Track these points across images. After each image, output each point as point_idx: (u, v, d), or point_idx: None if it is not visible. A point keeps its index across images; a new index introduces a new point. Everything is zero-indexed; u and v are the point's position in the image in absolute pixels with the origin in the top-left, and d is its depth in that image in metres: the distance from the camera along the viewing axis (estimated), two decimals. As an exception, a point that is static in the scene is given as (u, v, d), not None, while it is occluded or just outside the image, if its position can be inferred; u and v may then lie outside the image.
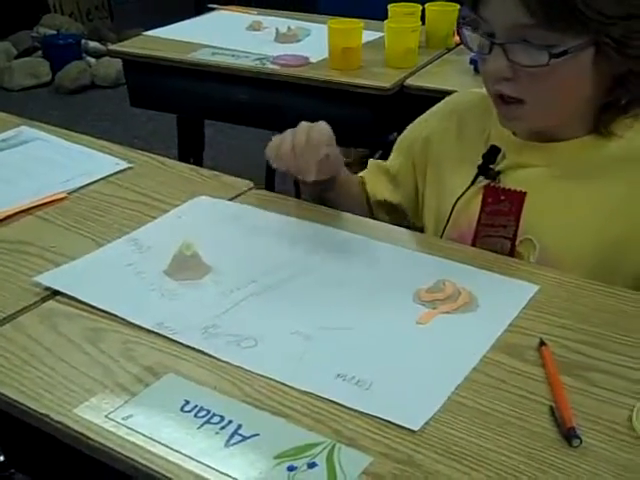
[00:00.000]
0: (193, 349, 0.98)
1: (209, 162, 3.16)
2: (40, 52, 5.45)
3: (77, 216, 1.31)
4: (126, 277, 1.14)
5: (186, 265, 1.15)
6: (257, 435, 0.85)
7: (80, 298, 1.08)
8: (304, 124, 1.24)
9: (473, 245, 1.23)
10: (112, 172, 1.46)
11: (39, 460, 1.08)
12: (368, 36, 2.38)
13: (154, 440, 0.84)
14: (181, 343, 0.99)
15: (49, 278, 1.13)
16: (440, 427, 0.86)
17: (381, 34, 2.34)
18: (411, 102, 2.12)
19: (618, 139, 1.17)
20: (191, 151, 3.01)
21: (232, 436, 0.84)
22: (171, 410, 0.88)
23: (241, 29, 2.71)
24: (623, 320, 1.03)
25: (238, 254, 1.20)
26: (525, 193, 1.19)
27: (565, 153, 1.19)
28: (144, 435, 0.85)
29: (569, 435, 0.83)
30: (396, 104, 2.17)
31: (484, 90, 1.32)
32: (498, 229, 1.21)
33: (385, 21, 2.30)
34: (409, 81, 2.19)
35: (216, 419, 0.87)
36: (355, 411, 0.88)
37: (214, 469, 0.80)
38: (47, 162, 1.52)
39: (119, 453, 0.83)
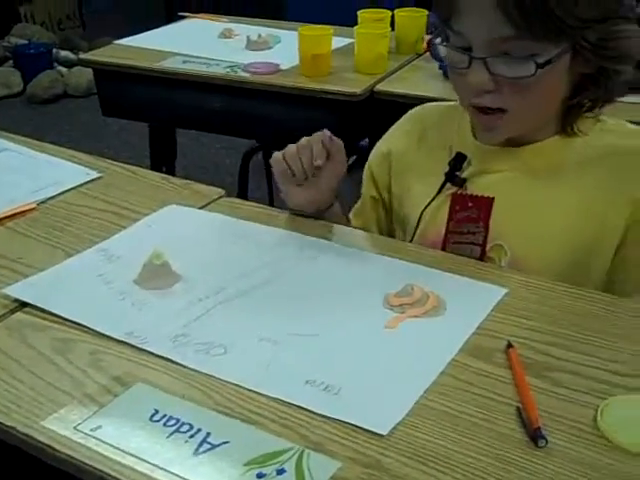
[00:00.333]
0: (162, 358, 0.98)
1: (182, 171, 3.16)
2: (11, 62, 5.41)
3: (47, 227, 1.31)
4: (96, 287, 1.14)
5: (156, 274, 1.15)
6: (226, 443, 0.85)
7: (49, 309, 1.08)
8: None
9: None
10: (82, 182, 1.46)
11: (4, 474, 1.07)
12: (338, 42, 2.39)
13: (123, 450, 0.84)
14: (150, 352, 0.99)
15: (17, 290, 1.12)
16: (408, 431, 0.86)
17: (351, 40, 2.35)
18: (381, 107, 2.13)
19: (582, 139, 1.18)
20: (163, 160, 3.00)
21: (201, 444, 0.84)
22: (140, 420, 0.88)
23: (212, 37, 2.71)
24: (590, 321, 1.04)
25: (208, 262, 1.20)
26: (493, 199, 1.19)
27: (531, 156, 1.19)
28: (113, 446, 0.84)
29: (535, 436, 0.84)
30: (367, 110, 2.18)
31: (444, 103, 1.34)
32: (467, 236, 1.21)
33: (355, 27, 2.31)
34: (379, 87, 2.20)
35: (185, 428, 0.87)
36: (324, 417, 0.88)
37: (183, 478, 0.80)
38: (16, 173, 1.51)
39: (87, 465, 0.82)
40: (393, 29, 2.42)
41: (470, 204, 1.20)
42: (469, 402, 0.90)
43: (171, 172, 2.96)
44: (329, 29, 2.28)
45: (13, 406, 0.91)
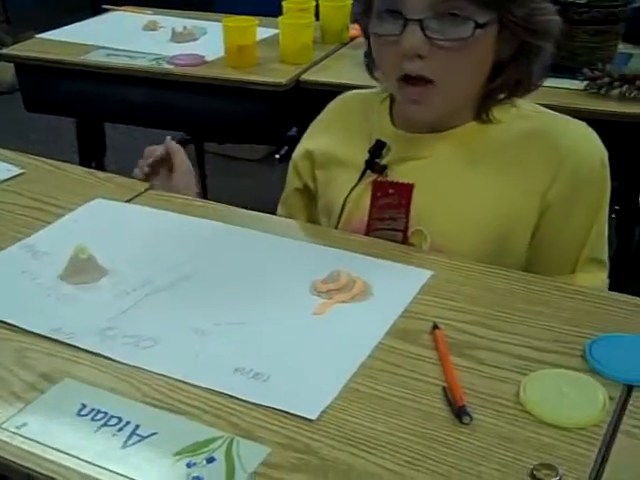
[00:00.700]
0: (90, 353, 0.98)
1: (113, 165, 3.11)
2: None
3: (-32, 225, 1.29)
4: (20, 284, 1.13)
5: (82, 269, 1.14)
6: (155, 434, 0.85)
7: (-29, 308, 1.06)
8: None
9: None
10: (3, 178, 1.44)
11: None
12: (263, 33, 2.39)
13: (49, 447, 0.83)
14: (78, 347, 0.99)
15: (-61, 289, 1.10)
16: (337, 414, 0.87)
17: (276, 31, 2.34)
18: (308, 97, 2.14)
19: (497, 125, 1.20)
20: (92, 155, 2.96)
21: (130, 437, 0.84)
22: (67, 415, 0.87)
23: (137, 29, 2.67)
24: (510, 299, 1.06)
25: (134, 255, 1.19)
26: (413, 185, 1.21)
27: (449, 142, 1.21)
28: (39, 442, 0.84)
29: (459, 413, 0.86)
30: (293, 99, 2.19)
31: (363, 91, 1.34)
32: (389, 222, 1.23)
33: (279, 17, 2.31)
34: (304, 76, 2.20)
35: (114, 421, 0.87)
36: (253, 404, 0.89)
37: (112, 471, 0.80)
38: None
39: (13, 462, 0.81)
40: (318, 19, 2.43)
41: (391, 190, 1.22)
42: (396, 384, 0.92)
43: (100, 167, 2.92)
44: (253, 20, 2.28)
45: (-64, 407, 0.89)
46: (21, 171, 1.47)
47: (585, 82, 1.96)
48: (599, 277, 1.24)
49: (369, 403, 0.89)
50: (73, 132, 2.99)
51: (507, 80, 1.17)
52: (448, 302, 1.06)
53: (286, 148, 2.77)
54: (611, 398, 0.88)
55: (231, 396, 0.90)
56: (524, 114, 1.22)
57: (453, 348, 0.97)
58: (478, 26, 1.08)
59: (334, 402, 0.89)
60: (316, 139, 1.36)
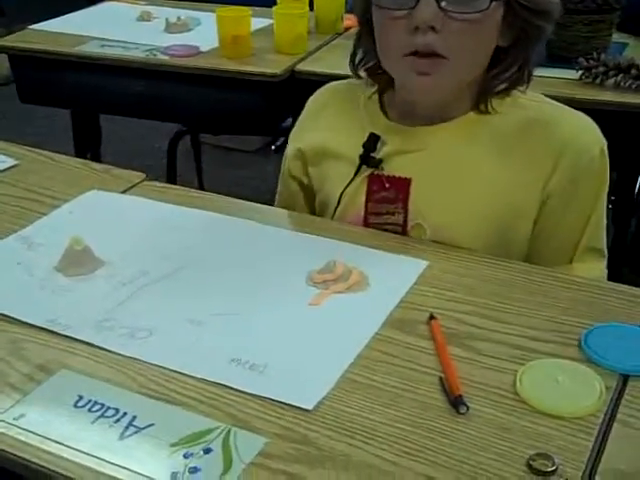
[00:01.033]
0: (86, 344, 0.98)
1: (109, 157, 3.10)
2: None
3: (-37, 217, 1.28)
4: (16, 276, 1.12)
5: (77, 260, 1.13)
6: (152, 425, 0.85)
7: (-33, 300, 1.06)
8: None
9: None
10: (-2, 170, 1.44)
11: None
12: (258, 23, 2.38)
13: (47, 438, 0.83)
14: (74, 338, 0.99)
15: None
16: (334, 405, 0.87)
17: (271, 21, 2.33)
18: (303, 87, 2.12)
19: (496, 115, 1.20)
20: (88, 146, 2.96)
21: (127, 428, 0.84)
22: (64, 406, 0.87)
23: (131, 20, 2.66)
24: (508, 290, 1.06)
25: (130, 246, 1.19)
26: (410, 179, 1.20)
27: (447, 133, 1.20)
28: (36, 434, 0.84)
29: (456, 403, 0.86)
30: (288, 90, 2.18)
31: (341, 82, 1.33)
32: (387, 217, 1.22)
33: (274, 7, 2.30)
34: (299, 66, 2.19)
35: (110, 412, 0.87)
36: (250, 395, 0.89)
37: (109, 462, 0.80)
38: None
39: (10, 453, 0.81)
40: (312, 9, 2.42)
41: (387, 185, 1.21)
42: (393, 374, 0.92)
43: (96, 158, 2.91)
44: (247, 10, 2.26)
45: None
46: (16, 162, 1.46)
47: (580, 72, 1.95)
48: (598, 267, 1.24)
49: (366, 393, 0.89)
50: (68, 123, 2.98)
51: (507, 67, 1.17)
52: (445, 292, 1.06)
53: (282, 139, 2.76)
54: (607, 388, 0.88)
55: (228, 387, 0.90)
56: (523, 104, 1.21)
57: (450, 338, 0.97)
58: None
59: (331, 392, 0.89)
60: (304, 136, 1.34)
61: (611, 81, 1.91)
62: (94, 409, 0.87)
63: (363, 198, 1.24)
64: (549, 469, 0.78)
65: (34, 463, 0.81)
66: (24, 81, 2.58)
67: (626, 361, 0.92)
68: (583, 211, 1.20)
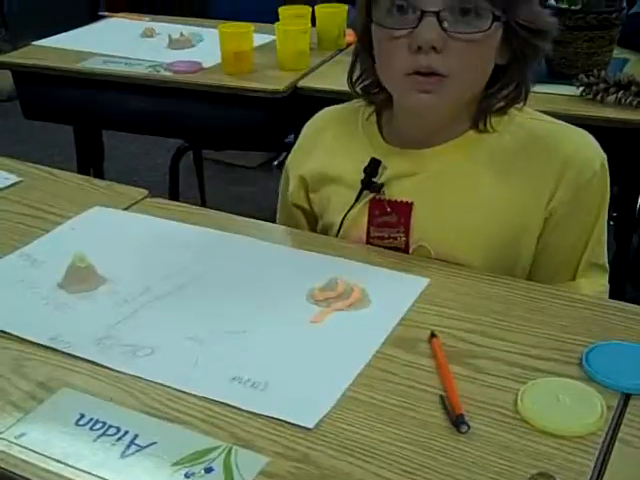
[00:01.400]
0: (88, 361, 0.98)
1: (112, 173, 3.11)
2: None
3: (-34, 234, 1.29)
4: (18, 293, 1.13)
5: (80, 277, 1.14)
6: (154, 444, 0.85)
7: (-31, 317, 1.06)
8: None
9: None
10: (1, 186, 1.44)
11: None
12: (260, 39, 2.38)
13: (48, 457, 0.83)
14: (75, 356, 0.99)
15: (-64, 299, 1.10)
16: (334, 423, 0.88)
17: (273, 37, 2.34)
18: (305, 103, 2.13)
19: (495, 133, 1.19)
20: (90, 162, 2.96)
21: (128, 446, 0.84)
22: (65, 425, 0.88)
23: (134, 36, 2.67)
24: (509, 308, 1.07)
25: (133, 263, 1.20)
26: (412, 204, 1.20)
27: (447, 155, 1.20)
28: (37, 452, 0.84)
29: (457, 422, 0.86)
30: (290, 106, 2.19)
31: (337, 107, 1.33)
32: (390, 241, 1.22)
33: (276, 24, 2.31)
34: (302, 83, 2.20)
35: (112, 431, 0.87)
36: (251, 413, 0.89)
37: (110, 481, 0.80)
38: None
39: (11, 472, 0.81)
40: (314, 25, 2.43)
41: (389, 209, 1.21)
42: (394, 392, 0.92)
43: (99, 174, 2.92)
44: (249, 26, 2.27)
45: None
46: (19, 179, 1.47)
47: (581, 88, 1.96)
48: (600, 282, 1.24)
49: (367, 412, 0.89)
50: (71, 139, 2.99)
51: (504, 85, 1.17)
52: (446, 310, 1.06)
53: (284, 155, 2.76)
54: (609, 407, 0.88)
55: (229, 405, 0.90)
56: (522, 121, 1.21)
57: (451, 356, 0.97)
58: (495, 19, 1.08)
59: (332, 411, 0.89)
60: (305, 164, 1.32)
61: (612, 98, 1.92)
62: (95, 427, 0.87)
63: (365, 223, 1.23)
64: (550, 488, 0.78)
65: (35, 482, 0.81)
66: (27, 97, 2.59)
67: (628, 380, 0.92)
68: (586, 225, 1.21)
